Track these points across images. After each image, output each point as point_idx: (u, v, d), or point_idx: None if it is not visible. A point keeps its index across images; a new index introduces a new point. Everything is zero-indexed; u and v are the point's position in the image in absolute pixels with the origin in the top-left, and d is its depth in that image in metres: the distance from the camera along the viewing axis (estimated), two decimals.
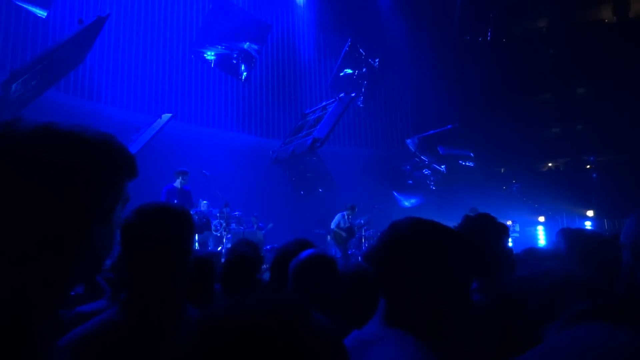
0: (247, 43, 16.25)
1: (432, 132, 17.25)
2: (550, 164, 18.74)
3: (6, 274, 0.66)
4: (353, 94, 14.67)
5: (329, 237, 12.39)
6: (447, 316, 1.10)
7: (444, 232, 1.17)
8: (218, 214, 9.64)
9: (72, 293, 2.96)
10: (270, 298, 0.59)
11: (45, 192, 0.67)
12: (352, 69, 18.62)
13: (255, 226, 11.29)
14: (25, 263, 0.66)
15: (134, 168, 0.80)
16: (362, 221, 11.66)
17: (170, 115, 13.12)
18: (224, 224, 9.48)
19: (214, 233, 9.70)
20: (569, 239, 1.87)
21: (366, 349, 1.02)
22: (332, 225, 11.07)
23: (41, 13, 11.29)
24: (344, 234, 10.94)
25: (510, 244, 2.01)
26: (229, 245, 8.29)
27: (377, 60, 18.92)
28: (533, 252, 1.93)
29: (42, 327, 0.67)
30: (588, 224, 13.59)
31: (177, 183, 8.16)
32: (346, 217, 10.92)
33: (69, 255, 0.70)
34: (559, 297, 1.32)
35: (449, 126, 16.78)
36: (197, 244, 8.60)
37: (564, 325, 0.83)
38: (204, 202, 9.53)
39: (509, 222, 12.19)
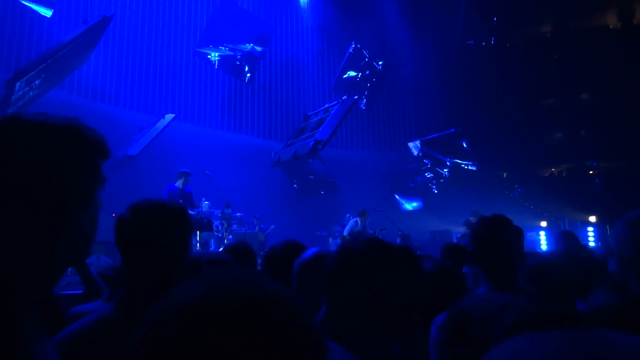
0: (251, 44, 16.27)
1: (434, 135, 17.25)
2: (552, 169, 18.70)
3: None
4: (356, 97, 14.66)
5: (330, 239, 12.34)
6: (380, 335, 1.12)
7: (394, 252, 1.18)
8: (220, 215, 9.63)
9: (72, 292, 2.96)
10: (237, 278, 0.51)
11: (20, 181, 0.69)
12: (355, 72, 18.61)
13: (257, 228, 11.26)
14: (8, 249, 0.67)
15: (104, 148, 0.81)
16: (379, 230, 11.30)
17: (173, 115, 13.15)
18: (226, 225, 9.47)
19: (216, 234, 9.69)
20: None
21: None
22: (345, 232, 10.78)
23: (46, 12, 11.33)
24: None
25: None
26: None
27: (380, 63, 18.92)
28: (534, 256, 1.93)
29: (28, 315, 0.67)
30: (590, 230, 13.54)
31: (179, 184, 8.17)
32: (359, 223, 10.53)
33: (54, 241, 0.72)
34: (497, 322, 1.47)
35: (451, 130, 16.78)
36: (198, 245, 8.59)
37: (496, 342, 0.95)
38: (206, 202, 9.52)
39: None
